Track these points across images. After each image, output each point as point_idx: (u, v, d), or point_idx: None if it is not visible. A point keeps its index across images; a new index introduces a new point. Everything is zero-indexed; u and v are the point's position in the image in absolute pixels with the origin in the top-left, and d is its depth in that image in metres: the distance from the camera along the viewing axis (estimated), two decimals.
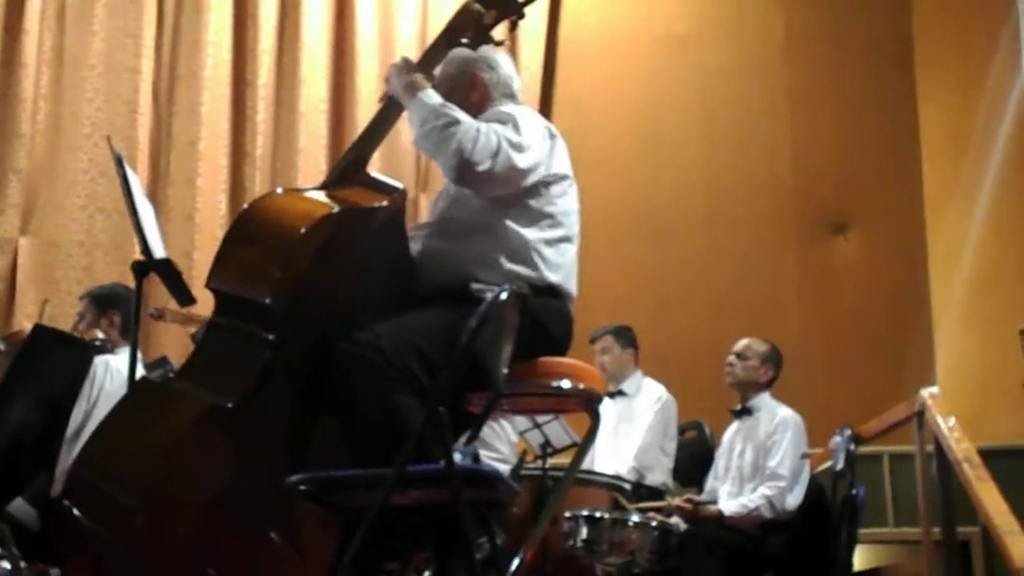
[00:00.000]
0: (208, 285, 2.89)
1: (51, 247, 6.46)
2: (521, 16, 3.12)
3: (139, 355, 4.06)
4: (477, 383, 2.68)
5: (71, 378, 3.21)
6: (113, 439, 2.78)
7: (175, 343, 5.87)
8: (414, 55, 6.53)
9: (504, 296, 2.51)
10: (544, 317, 2.88)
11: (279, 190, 3.26)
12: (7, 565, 3.58)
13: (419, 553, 2.92)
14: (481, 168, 2.86)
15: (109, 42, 6.63)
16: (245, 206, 2.99)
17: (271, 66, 6.64)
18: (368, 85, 6.61)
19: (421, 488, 2.47)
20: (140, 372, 4.10)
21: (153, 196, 6.50)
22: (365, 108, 6.54)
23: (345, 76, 6.70)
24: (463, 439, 2.85)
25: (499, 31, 3.16)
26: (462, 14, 3.08)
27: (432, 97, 2.94)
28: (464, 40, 3.11)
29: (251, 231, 2.89)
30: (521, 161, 2.91)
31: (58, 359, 3.15)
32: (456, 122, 2.88)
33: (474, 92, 3.09)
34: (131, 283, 5.85)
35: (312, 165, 6.50)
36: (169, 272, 3.50)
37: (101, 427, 2.85)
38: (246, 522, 2.76)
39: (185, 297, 3.58)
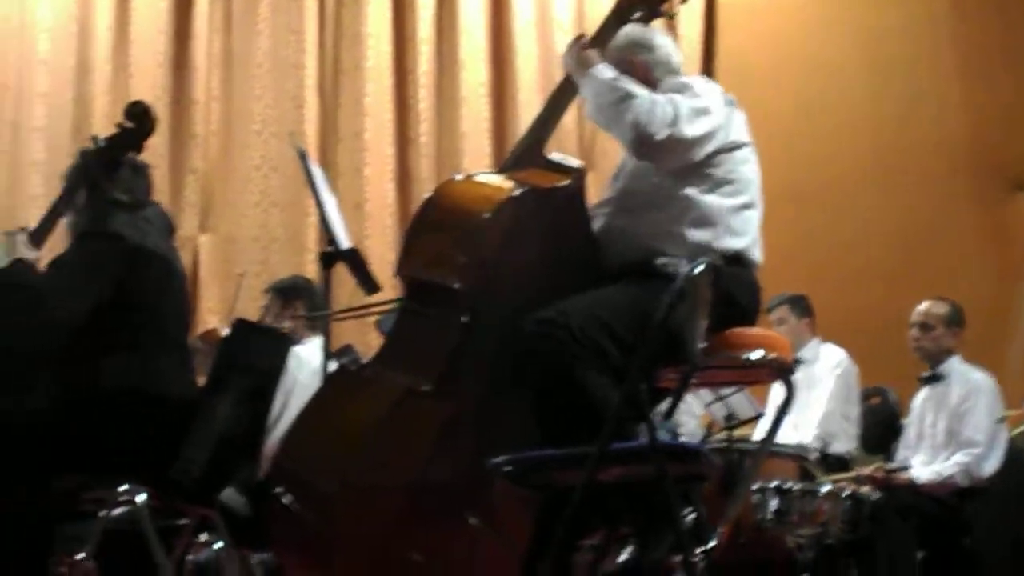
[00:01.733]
0: (398, 272, 2.95)
1: (229, 243, 6.67)
2: None
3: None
4: (669, 358, 2.67)
5: (272, 369, 3.31)
6: (314, 427, 2.87)
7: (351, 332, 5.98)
8: (572, 36, 6.64)
9: (699, 270, 2.49)
10: (731, 287, 2.85)
11: (460, 176, 3.30)
12: (218, 547, 3.74)
13: (619, 529, 2.94)
14: (659, 138, 2.84)
15: (274, 40, 6.79)
16: (429, 194, 3.04)
17: (431, 54, 6.72)
18: (528, 67, 6.64)
19: (624, 465, 2.48)
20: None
21: None
22: (526, 90, 6.57)
23: (504, 60, 6.74)
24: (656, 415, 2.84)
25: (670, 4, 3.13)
26: None
27: (605, 72, 2.94)
28: (636, 15, 3.09)
29: (436, 218, 2.95)
30: (699, 127, 2.88)
31: (259, 351, 3.26)
32: (630, 95, 2.86)
33: (634, 77, 3.06)
34: (307, 274, 6.12)
35: (476, 149, 6.57)
36: (356, 261, 3.58)
37: (302, 416, 2.95)
38: (444, 504, 2.81)
39: (371, 285, 3.66)
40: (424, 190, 6.58)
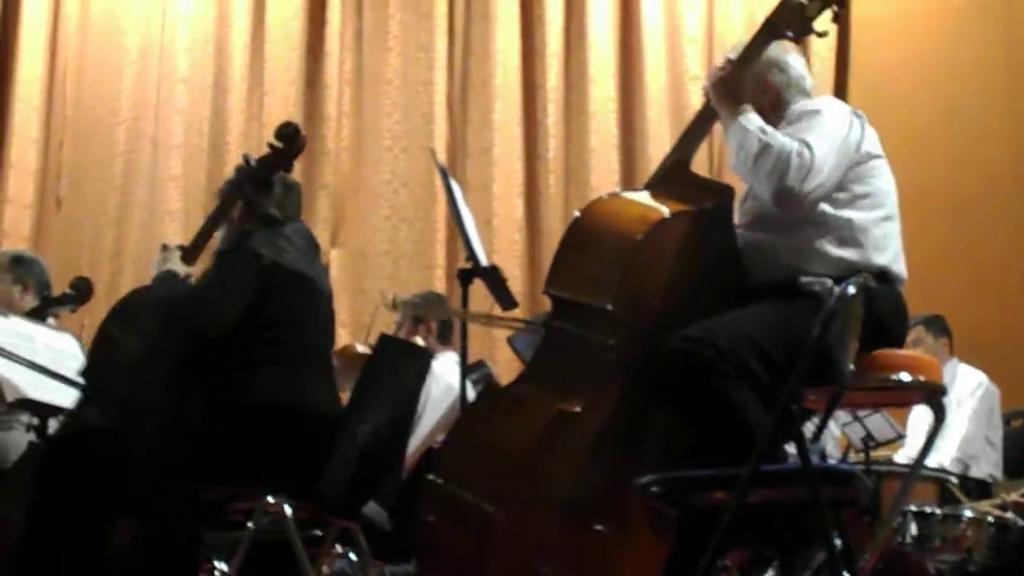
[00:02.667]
0: (547, 291, 2.96)
1: (359, 257, 6.76)
2: (842, 5, 3.05)
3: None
4: (815, 378, 2.64)
5: (414, 384, 3.35)
6: (467, 446, 2.89)
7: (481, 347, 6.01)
8: (701, 49, 6.63)
9: (852, 289, 2.46)
10: (877, 305, 2.81)
11: (608, 194, 3.30)
12: (353, 558, 3.79)
13: (763, 550, 2.90)
14: (797, 190, 2.82)
15: (404, 57, 6.89)
16: (577, 212, 3.04)
17: (559, 69, 6.75)
18: (656, 82, 6.62)
19: (776, 487, 2.45)
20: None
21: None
22: (655, 105, 6.56)
23: (633, 75, 6.73)
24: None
25: (821, 22, 3.09)
26: (783, 7, 3.03)
27: (751, 121, 2.92)
28: (787, 33, 3.06)
29: (586, 237, 2.95)
30: (831, 164, 2.86)
31: (403, 366, 3.30)
32: (768, 147, 2.85)
33: (766, 96, 3.04)
34: (435, 288, 6.19)
35: (604, 165, 6.57)
36: (494, 278, 3.61)
37: (453, 434, 2.98)
38: (585, 521, 2.81)
39: (508, 302, 3.69)
40: (552, 206, 6.62)
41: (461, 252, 6.56)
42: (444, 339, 4.73)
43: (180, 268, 3.34)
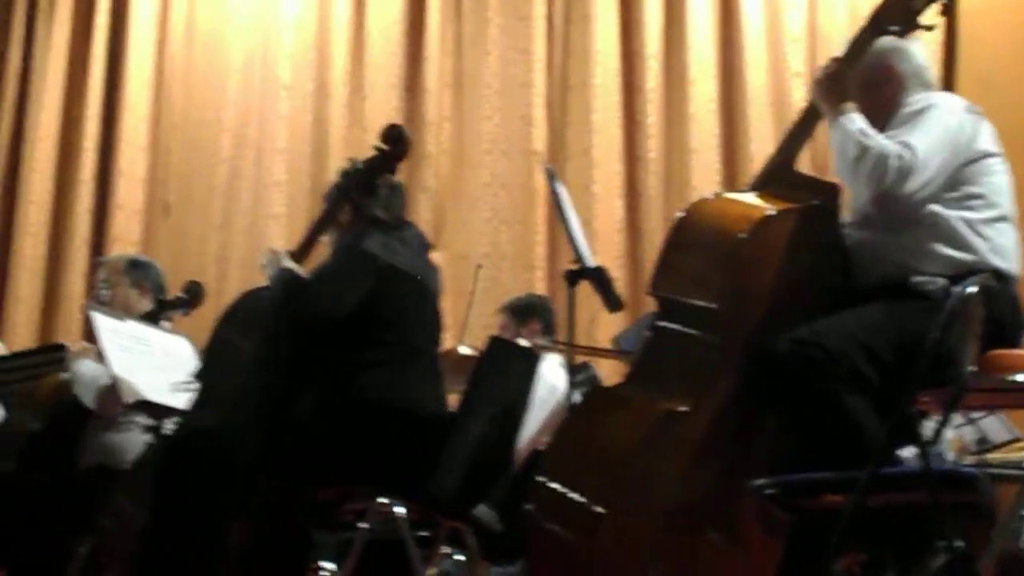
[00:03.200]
0: (652, 292, 2.95)
1: (460, 260, 6.79)
2: None
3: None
4: (930, 380, 2.59)
5: (523, 387, 3.37)
6: (574, 447, 2.90)
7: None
8: (804, 47, 6.54)
9: (972, 289, 2.41)
10: (994, 305, 2.75)
11: (711, 194, 3.29)
12: (458, 558, 3.82)
13: (879, 554, 2.86)
14: (898, 192, 2.81)
15: (503, 60, 6.91)
16: (681, 212, 3.03)
17: (659, 70, 6.70)
18: (758, 81, 6.55)
19: (895, 490, 2.42)
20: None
21: (552, 205, 6.71)
22: (757, 105, 6.48)
23: (734, 74, 6.66)
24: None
25: (929, 16, 3.04)
26: (889, 1, 2.99)
27: (854, 122, 2.88)
28: (893, 29, 3.02)
29: (690, 237, 2.95)
30: (934, 165, 2.82)
31: (512, 369, 3.31)
32: (867, 150, 2.82)
33: (888, 86, 3.01)
34: (535, 291, 6.19)
35: (706, 165, 6.51)
36: (601, 279, 3.61)
37: (560, 435, 2.99)
38: (692, 524, 2.80)
39: (615, 303, 3.68)
40: (653, 207, 6.59)
41: (562, 254, 6.62)
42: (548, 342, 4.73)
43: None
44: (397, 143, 3.42)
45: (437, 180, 6.91)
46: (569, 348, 3.66)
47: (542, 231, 6.66)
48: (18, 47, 7.90)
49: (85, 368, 3.84)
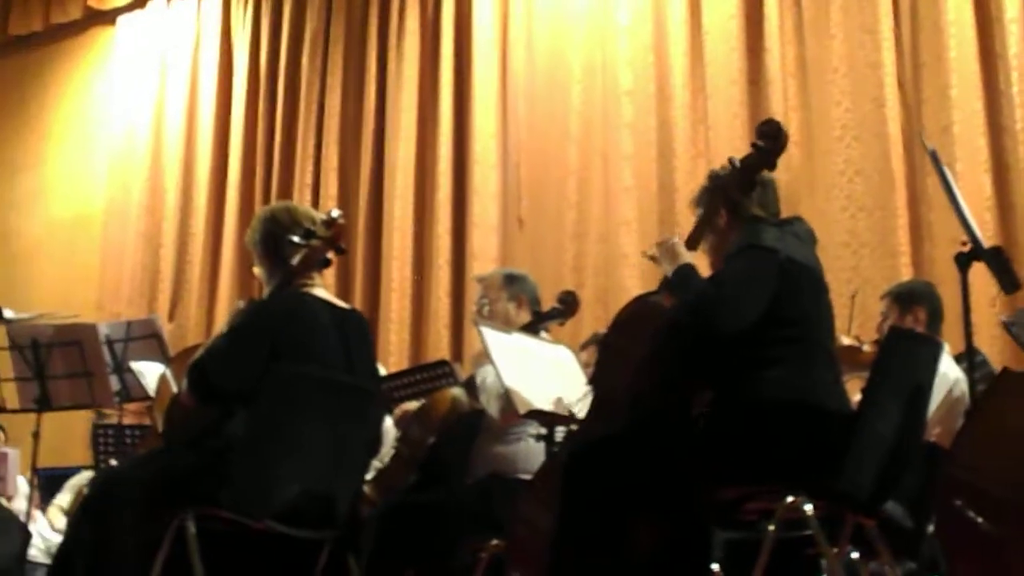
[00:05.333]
0: None
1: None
2: None
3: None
4: None
5: (926, 376, 3.23)
6: (989, 436, 2.77)
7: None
8: None
9: None
10: None
11: None
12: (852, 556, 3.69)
13: None
14: None
15: (849, 42, 6.69)
16: None
17: (1020, 35, 6.28)
18: None
19: None
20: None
21: (913, 188, 6.45)
22: None
23: None
24: None
25: None
26: None
27: None
28: None
29: None
30: None
31: (914, 359, 3.19)
32: None
33: None
34: (899, 278, 5.95)
35: None
36: (998, 260, 3.43)
37: (968, 424, 2.85)
38: None
39: (1012, 284, 3.49)
40: (1022, 179, 6.19)
41: (925, 240, 6.34)
42: (934, 330, 4.53)
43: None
44: (775, 138, 3.37)
45: (788, 172, 6.74)
46: (967, 335, 3.47)
47: (903, 216, 6.40)
48: (373, 84, 8.41)
49: (492, 380, 3.99)
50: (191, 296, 9.03)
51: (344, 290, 7.93)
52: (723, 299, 3.11)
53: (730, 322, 3.08)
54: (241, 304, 3.87)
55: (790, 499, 3.02)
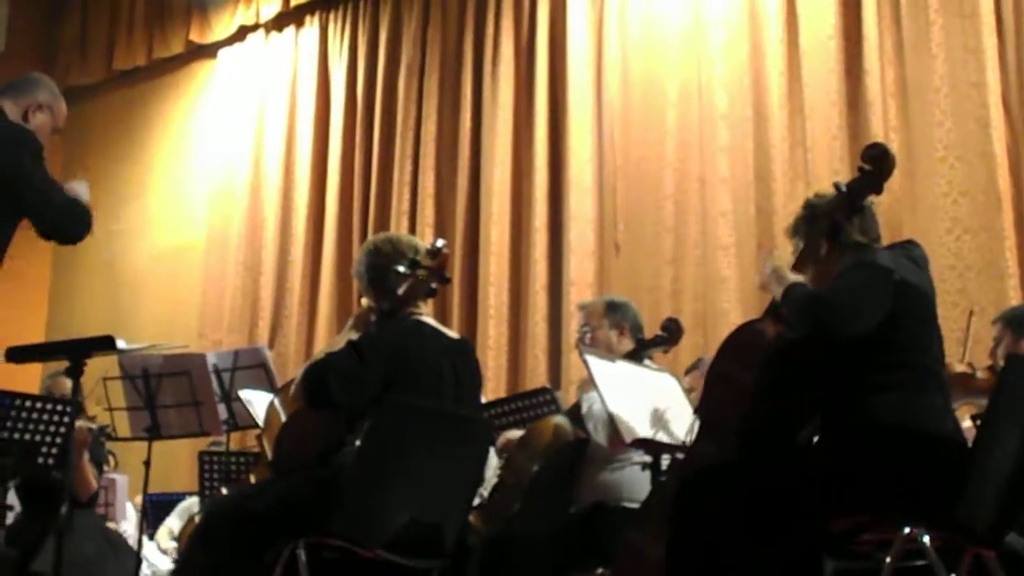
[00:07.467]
0: None
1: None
2: None
3: None
4: None
5: None
6: None
7: None
8: None
9: None
10: None
11: None
12: None
13: None
14: None
15: (950, 63, 6.57)
16: None
17: None
18: None
19: None
20: None
21: (1019, 209, 6.33)
22: None
23: None
24: None
25: None
26: None
27: None
28: None
29: None
30: None
31: None
32: None
33: None
34: (1010, 301, 5.83)
35: None
36: None
37: None
38: None
39: None
40: None
41: None
42: None
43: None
44: (882, 162, 3.33)
45: (890, 194, 6.62)
46: None
47: (1010, 237, 6.26)
48: (469, 110, 8.47)
49: (599, 407, 3.98)
50: (291, 323, 9.17)
51: (441, 315, 7.97)
52: (837, 304, 3.07)
53: (843, 326, 3.02)
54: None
55: (907, 530, 2.96)
